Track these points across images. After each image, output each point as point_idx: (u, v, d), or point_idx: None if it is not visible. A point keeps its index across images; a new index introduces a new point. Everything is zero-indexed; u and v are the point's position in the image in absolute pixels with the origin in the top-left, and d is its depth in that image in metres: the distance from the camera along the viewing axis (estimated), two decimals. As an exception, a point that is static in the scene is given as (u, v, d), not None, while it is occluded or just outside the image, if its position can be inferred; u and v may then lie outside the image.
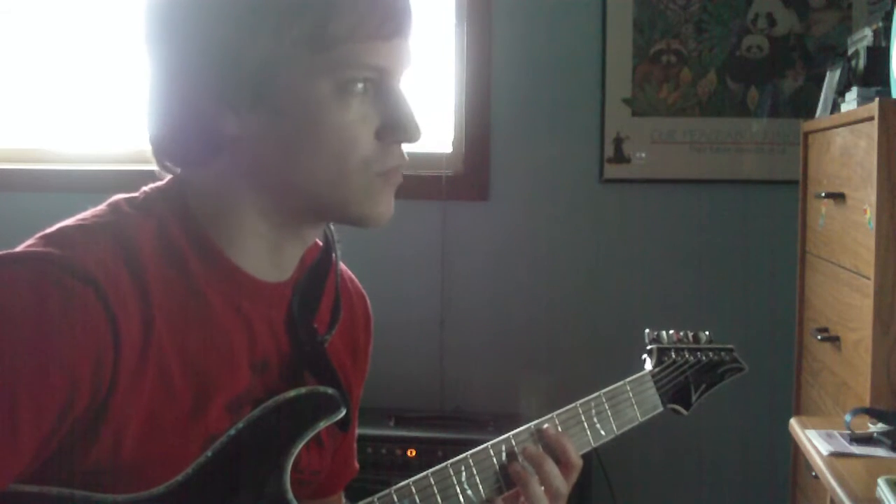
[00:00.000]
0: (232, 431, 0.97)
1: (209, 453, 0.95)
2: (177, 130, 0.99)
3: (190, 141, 0.98)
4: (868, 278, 1.80)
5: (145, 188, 1.03)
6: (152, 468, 0.92)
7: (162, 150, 1.01)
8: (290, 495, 0.98)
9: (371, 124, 0.97)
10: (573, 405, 1.25)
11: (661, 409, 1.36)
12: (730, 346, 1.47)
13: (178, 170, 1.03)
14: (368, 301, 1.21)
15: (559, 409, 1.24)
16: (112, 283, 0.90)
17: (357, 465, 1.25)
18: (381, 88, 0.97)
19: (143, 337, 0.92)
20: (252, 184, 0.99)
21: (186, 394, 0.95)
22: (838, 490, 1.46)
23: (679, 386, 1.39)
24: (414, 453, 2.45)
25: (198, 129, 0.97)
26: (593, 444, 1.26)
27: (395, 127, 0.97)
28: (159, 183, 1.03)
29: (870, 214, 1.80)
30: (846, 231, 2.01)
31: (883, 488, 1.38)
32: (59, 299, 0.88)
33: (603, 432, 1.27)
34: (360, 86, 0.95)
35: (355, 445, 1.25)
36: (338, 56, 0.93)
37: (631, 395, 1.32)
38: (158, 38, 0.97)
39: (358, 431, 1.23)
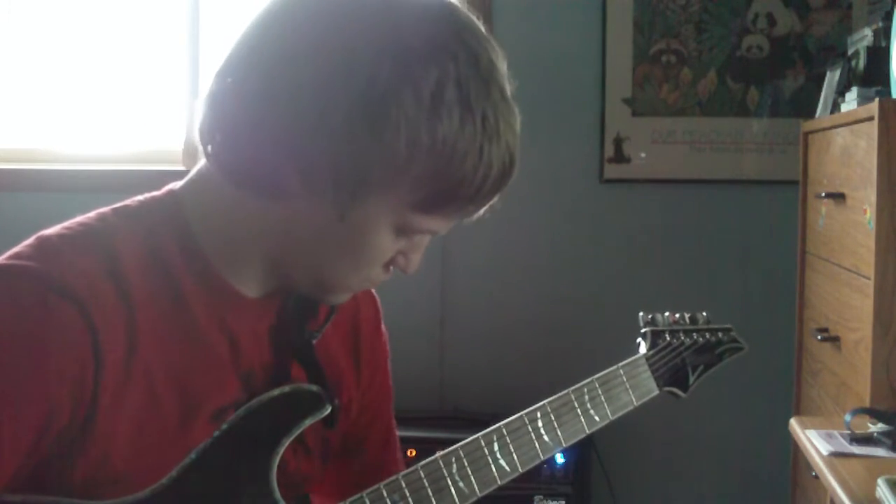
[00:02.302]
0: (216, 433, 0.96)
1: (193, 455, 0.94)
2: (244, 154, 0.92)
3: (250, 168, 0.93)
4: (868, 278, 1.80)
5: (139, 197, 1.01)
6: (142, 480, 0.92)
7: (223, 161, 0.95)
8: (277, 494, 0.97)
9: (391, 253, 1.00)
10: (565, 392, 1.23)
11: (656, 392, 1.33)
12: (727, 325, 1.44)
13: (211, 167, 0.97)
14: (379, 303, 1.21)
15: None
16: (94, 296, 0.89)
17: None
18: (420, 236, 1.01)
19: (127, 349, 0.91)
20: (275, 241, 0.98)
21: (173, 406, 0.95)
22: (838, 490, 1.46)
23: (675, 368, 1.36)
24: (414, 453, 2.44)
25: (267, 165, 0.92)
26: (587, 431, 1.24)
27: (403, 263, 1.02)
28: (155, 193, 1.02)
29: (870, 214, 1.80)
30: (846, 231, 2.01)
31: (883, 488, 1.38)
32: (37, 317, 0.87)
33: (597, 418, 1.24)
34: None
35: (398, 453, 1.24)
36: (420, 219, 0.95)
37: (625, 379, 1.29)
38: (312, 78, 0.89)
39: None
